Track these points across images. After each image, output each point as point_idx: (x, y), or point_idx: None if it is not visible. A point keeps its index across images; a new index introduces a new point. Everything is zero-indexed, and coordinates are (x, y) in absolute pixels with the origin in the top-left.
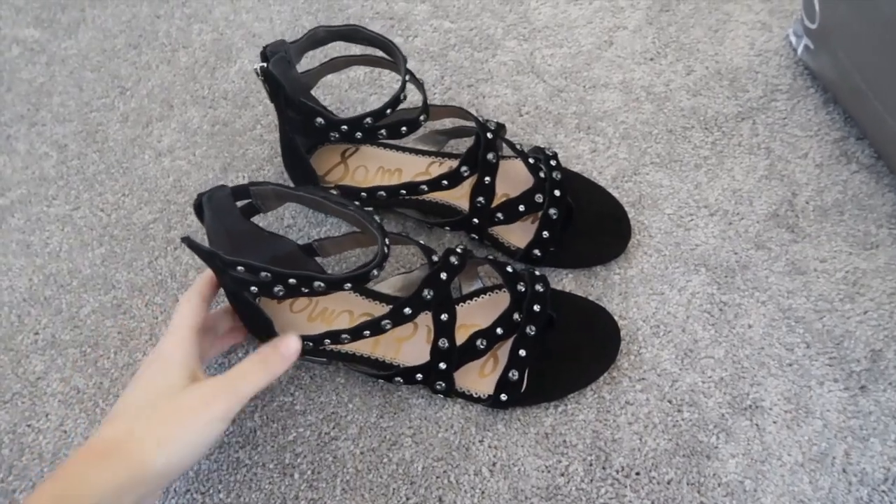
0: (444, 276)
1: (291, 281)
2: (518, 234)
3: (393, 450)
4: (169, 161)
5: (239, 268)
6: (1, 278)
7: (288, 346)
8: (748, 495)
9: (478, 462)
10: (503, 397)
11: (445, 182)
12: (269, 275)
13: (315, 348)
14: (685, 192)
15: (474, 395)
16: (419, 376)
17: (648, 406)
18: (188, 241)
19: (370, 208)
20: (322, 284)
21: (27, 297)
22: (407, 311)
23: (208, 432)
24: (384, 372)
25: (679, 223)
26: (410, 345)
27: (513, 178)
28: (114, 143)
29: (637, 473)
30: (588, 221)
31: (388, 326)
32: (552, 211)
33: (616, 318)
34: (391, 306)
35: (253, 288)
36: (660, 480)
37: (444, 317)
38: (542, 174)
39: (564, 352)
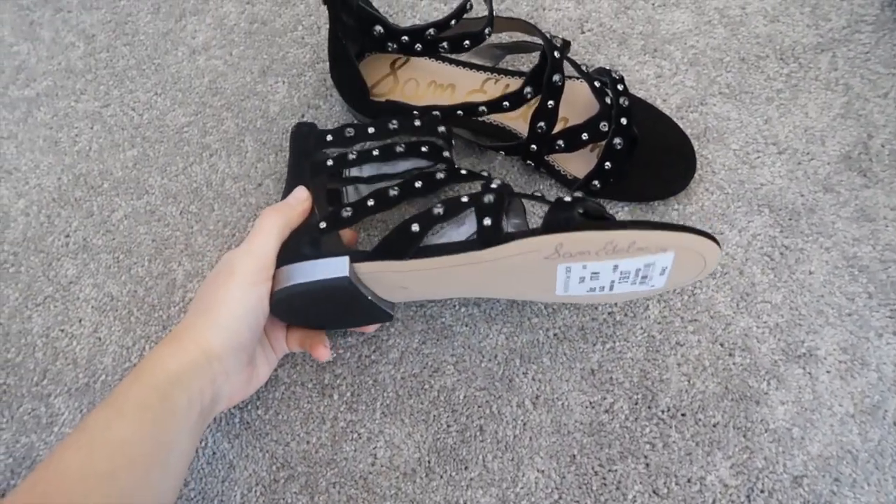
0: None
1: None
2: (577, 163)
3: (435, 377)
4: (204, 60)
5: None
6: (29, 175)
7: (296, 196)
8: (795, 442)
9: (521, 394)
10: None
11: (507, 104)
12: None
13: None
14: (754, 126)
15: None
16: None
17: (699, 348)
18: None
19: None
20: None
21: (56, 198)
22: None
23: (242, 300)
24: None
25: (745, 160)
26: None
27: (575, 102)
28: (144, 36)
29: (683, 415)
30: (651, 153)
31: (442, 176)
32: (617, 140)
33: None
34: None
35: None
36: (706, 423)
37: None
38: (608, 100)
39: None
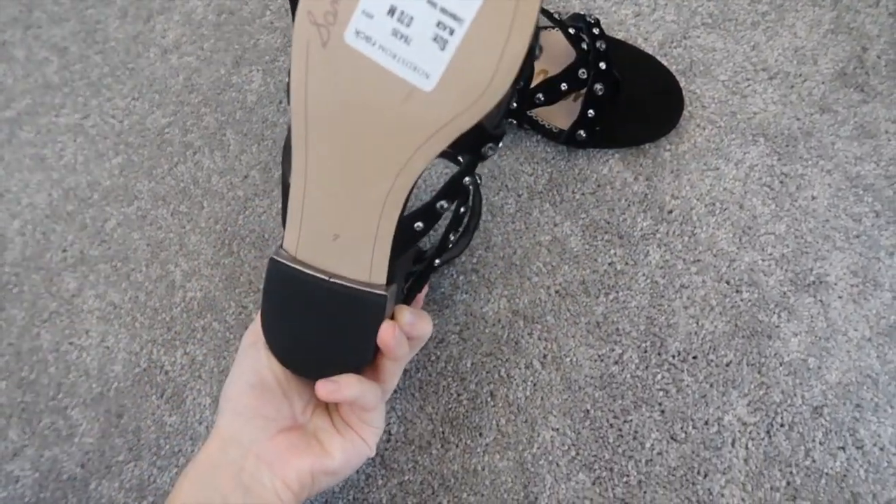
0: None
1: None
2: (561, 115)
3: (440, 347)
4: (176, 58)
5: None
6: (20, 195)
7: None
8: (812, 373)
9: (528, 355)
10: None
11: None
12: None
13: None
14: (741, 54)
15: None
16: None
17: (705, 288)
18: None
19: None
20: None
21: (49, 214)
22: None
23: (238, 363)
24: None
25: (735, 90)
26: None
27: (551, 52)
28: (115, 42)
29: (694, 357)
30: (636, 95)
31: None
32: (597, 86)
33: (668, 197)
34: None
35: None
36: (718, 363)
37: None
38: (584, 45)
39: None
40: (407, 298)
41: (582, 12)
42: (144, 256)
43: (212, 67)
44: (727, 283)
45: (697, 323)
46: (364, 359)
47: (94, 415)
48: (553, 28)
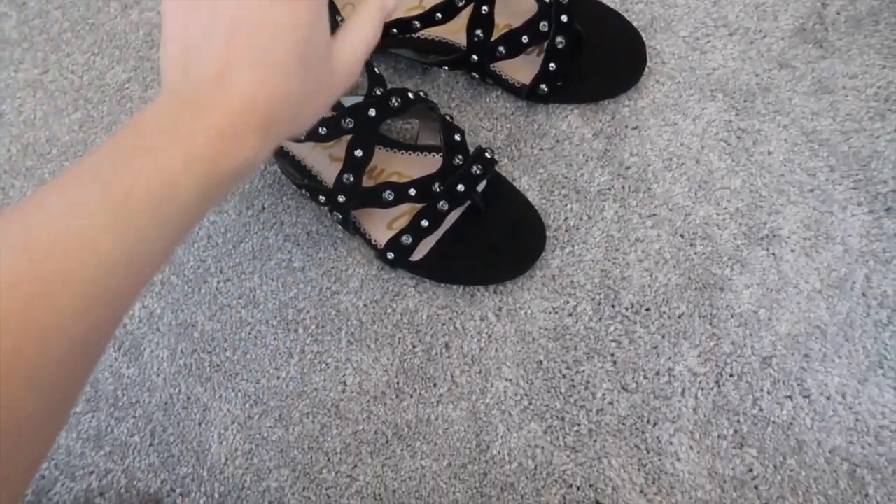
0: (372, 112)
1: None
2: (523, 69)
3: (396, 300)
4: (137, 13)
5: None
6: None
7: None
8: (762, 324)
9: (483, 307)
10: (390, 255)
11: (440, 15)
12: None
13: None
14: (702, 10)
15: (371, 241)
16: (321, 198)
17: (660, 242)
18: None
19: None
20: None
21: (8, 169)
22: (322, 130)
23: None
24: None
25: (695, 46)
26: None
27: (514, 5)
28: None
29: (647, 309)
30: (598, 50)
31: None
32: (559, 39)
33: (626, 153)
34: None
35: None
36: (670, 315)
37: (357, 152)
38: None
39: (481, 245)
40: None
41: None
42: None
43: None
44: (681, 236)
45: (651, 276)
46: None
47: None
48: None
